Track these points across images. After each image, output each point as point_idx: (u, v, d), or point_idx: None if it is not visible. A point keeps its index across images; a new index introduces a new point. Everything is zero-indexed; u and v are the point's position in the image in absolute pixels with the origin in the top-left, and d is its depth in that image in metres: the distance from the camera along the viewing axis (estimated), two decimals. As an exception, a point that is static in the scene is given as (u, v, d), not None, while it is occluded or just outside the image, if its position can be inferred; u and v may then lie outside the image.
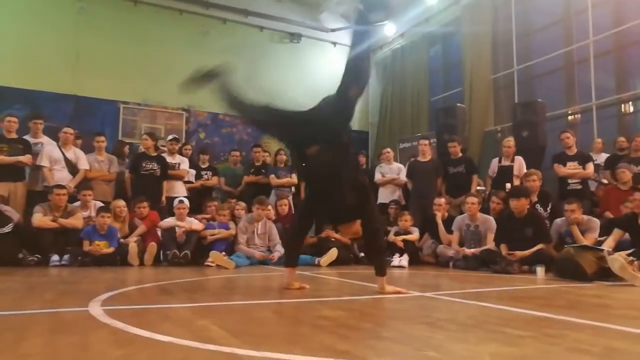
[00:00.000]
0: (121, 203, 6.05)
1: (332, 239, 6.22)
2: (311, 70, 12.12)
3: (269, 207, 6.41)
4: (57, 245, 5.43)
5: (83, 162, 6.44)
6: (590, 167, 6.22)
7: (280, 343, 1.71)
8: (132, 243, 5.68)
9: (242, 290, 3.64)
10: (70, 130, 6.52)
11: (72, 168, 6.32)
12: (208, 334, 1.83)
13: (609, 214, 5.74)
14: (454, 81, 10.99)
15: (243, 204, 6.64)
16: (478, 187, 6.82)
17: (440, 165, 7.10)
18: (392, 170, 7.50)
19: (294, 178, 7.54)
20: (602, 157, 7.10)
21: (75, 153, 6.44)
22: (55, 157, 6.24)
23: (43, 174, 6.13)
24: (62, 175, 6.16)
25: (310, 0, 12.13)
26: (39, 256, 5.31)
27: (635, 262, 3.76)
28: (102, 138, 6.81)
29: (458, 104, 8.85)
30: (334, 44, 12.58)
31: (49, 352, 1.59)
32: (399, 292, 3.09)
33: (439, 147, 8.25)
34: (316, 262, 5.80)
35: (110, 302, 2.62)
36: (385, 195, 7.34)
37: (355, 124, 12.75)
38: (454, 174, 6.88)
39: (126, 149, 7.80)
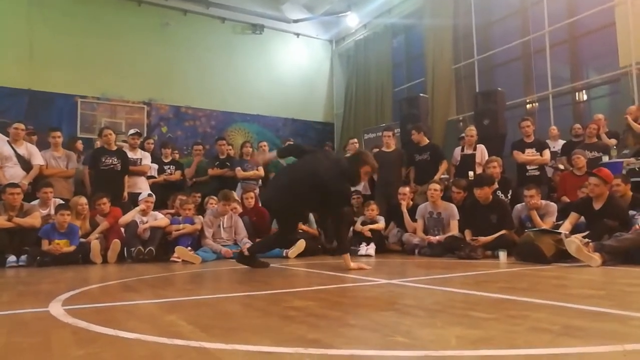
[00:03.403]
0: (82, 200, 5.84)
1: (300, 231, 6.20)
2: (274, 61, 12.05)
3: (234, 202, 6.32)
4: (13, 246, 5.21)
5: (37, 157, 6.17)
6: (546, 153, 6.41)
7: (249, 335, 1.69)
8: (94, 240, 5.51)
9: (209, 284, 3.60)
10: (21, 126, 6.20)
11: (26, 164, 6.05)
12: (176, 329, 1.80)
13: (565, 199, 5.95)
14: (417, 72, 11.14)
15: (215, 198, 6.52)
16: (442, 175, 6.93)
17: (404, 155, 7.17)
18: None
19: (260, 170, 7.49)
20: (559, 144, 7.36)
21: (27, 149, 6.14)
22: (5, 154, 5.96)
23: (-6, 172, 5.83)
24: (14, 172, 5.90)
25: (272, -10, 12.01)
26: (-6, 258, 5.08)
27: (590, 244, 3.92)
28: (58, 133, 6.53)
29: (421, 94, 8.97)
30: (297, 35, 12.52)
31: (7, 354, 1.53)
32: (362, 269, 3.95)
33: (403, 137, 8.35)
34: (284, 254, 5.78)
35: (71, 302, 2.54)
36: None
37: (320, 115, 12.79)
38: (419, 161, 6.93)
39: (78, 144, 7.52)
